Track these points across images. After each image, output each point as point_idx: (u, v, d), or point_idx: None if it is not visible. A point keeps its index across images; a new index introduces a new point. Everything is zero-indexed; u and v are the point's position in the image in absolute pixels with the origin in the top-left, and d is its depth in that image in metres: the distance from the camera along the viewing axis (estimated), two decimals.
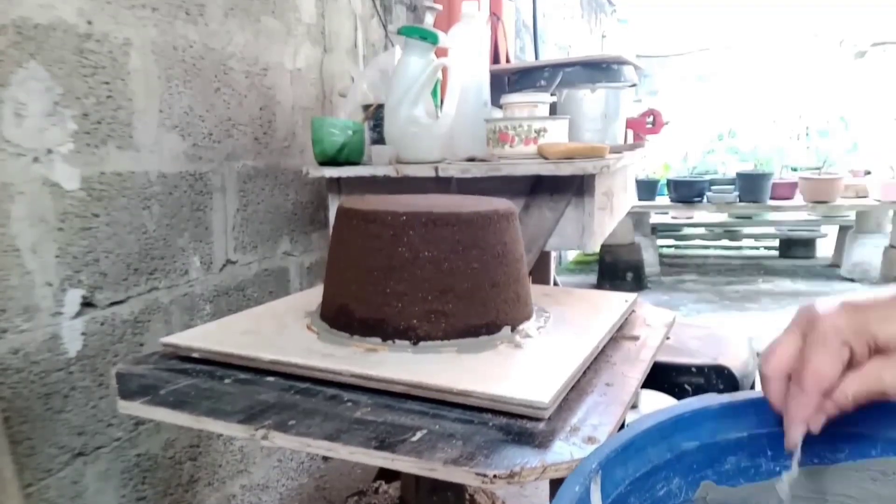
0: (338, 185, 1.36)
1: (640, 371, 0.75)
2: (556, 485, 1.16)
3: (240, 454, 1.43)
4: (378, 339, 0.76)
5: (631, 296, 0.99)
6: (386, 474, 1.15)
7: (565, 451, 0.56)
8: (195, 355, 0.78)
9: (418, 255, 0.75)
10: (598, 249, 1.30)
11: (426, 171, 1.22)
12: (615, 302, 0.96)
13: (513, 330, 0.79)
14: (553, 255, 2.06)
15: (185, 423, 0.65)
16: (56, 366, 0.99)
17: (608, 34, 5.98)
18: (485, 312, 0.77)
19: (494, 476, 0.52)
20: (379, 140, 1.37)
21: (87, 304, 1.03)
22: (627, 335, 0.88)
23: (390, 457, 0.56)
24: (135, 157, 1.11)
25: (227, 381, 0.72)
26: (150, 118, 1.14)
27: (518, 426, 0.60)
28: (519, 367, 0.70)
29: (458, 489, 0.98)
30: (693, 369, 1.32)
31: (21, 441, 0.94)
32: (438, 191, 1.23)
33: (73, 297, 1.01)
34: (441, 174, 1.21)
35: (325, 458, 1.74)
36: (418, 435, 0.58)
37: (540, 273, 1.81)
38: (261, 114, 1.43)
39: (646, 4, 6.49)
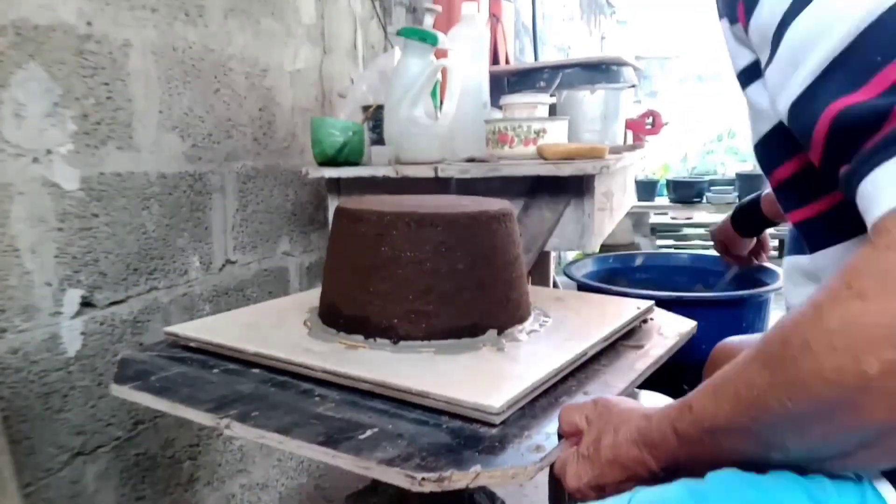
0: (337, 185, 1.36)
1: (626, 381, 0.73)
2: (556, 483, 1.16)
3: (239, 453, 1.44)
4: (361, 337, 0.77)
5: (645, 303, 0.95)
6: None
7: (508, 458, 0.55)
8: (192, 345, 0.81)
9: (400, 255, 0.76)
10: (597, 250, 1.30)
11: (425, 172, 1.22)
12: (625, 309, 0.93)
13: (500, 333, 0.78)
14: (553, 255, 2.06)
15: (163, 408, 0.68)
16: (55, 365, 0.99)
17: (608, 36, 5.98)
18: (468, 314, 0.77)
19: (423, 479, 0.53)
20: (378, 141, 1.37)
21: (86, 303, 1.04)
22: (632, 344, 0.85)
23: (331, 453, 0.57)
24: (134, 157, 1.11)
25: (215, 370, 0.75)
26: (150, 119, 1.14)
27: (470, 430, 0.60)
28: (489, 371, 0.70)
29: (458, 489, 0.98)
30: (692, 369, 1.32)
31: (20, 440, 0.94)
32: (438, 191, 1.23)
33: (73, 297, 1.01)
34: (440, 175, 1.21)
35: None
36: (368, 433, 0.59)
37: (539, 273, 1.81)
38: (260, 114, 1.43)
39: (645, 6, 6.50)
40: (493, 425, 0.60)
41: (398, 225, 0.76)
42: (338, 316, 0.80)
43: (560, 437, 0.58)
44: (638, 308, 0.93)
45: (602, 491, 0.53)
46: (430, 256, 0.76)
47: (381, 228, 0.77)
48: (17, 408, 0.93)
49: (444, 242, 0.76)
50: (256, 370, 0.75)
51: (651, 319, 0.95)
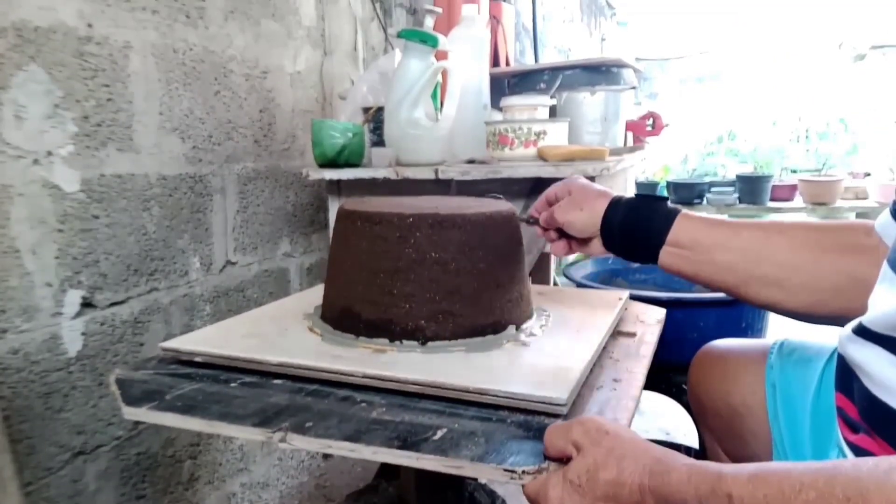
0: (338, 187, 1.36)
1: (643, 366, 0.76)
2: None
3: (240, 452, 1.44)
4: (385, 340, 0.76)
5: (624, 293, 1.00)
6: (386, 473, 1.15)
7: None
8: (198, 359, 0.77)
9: (425, 257, 0.75)
10: None
11: (426, 174, 1.22)
12: (609, 300, 0.97)
13: (517, 329, 0.80)
14: (553, 256, 2.06)
15: (197, 427, 0.65)
16: (56, 365, 0.99)
17: (608, 37, 5.99)
18: (490, 312, 0.78)
19: (524, 472, 0.53)
20: (379, 142, 1.37)
21: (86, 304, 1.04)
22: (624, 332, 0.89)
23: (415, 455, 0.56)
24: (135, 159, 1.11)
25: (233, 384, 0.72)
26: (150, 120, 1.14)
27: (537, 422, 0.61)
28: (529, 364, 0.71)
29: (458, 488, 0.98)
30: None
31: (21, 440, 0.94)
32: (438, 193, 1.24)
33: (73, 298, 1.01)
34: (441, 176, 1.21)
35: (325, 457, 1.74)
36: (440, 433, 0.59)
37: (540, 274, 1.81)
38: (261, 116, 1.43)
39: (645, 8, 6.50)
40: (557, 416, 0.61)
41: (422, 227, 0.76)
42: (356, 320, 0.78)
43: (546, 458, 0.55)
44: (619, 298, 0.97)
45: None
46: (455, 257, 0.76)
47: (403, 230, 0.76)
48: (17, 407, 0.93)
49: (467, 243, 0.77)
50: (278, 381, 0.72)
51: (626, 309, 1.00)
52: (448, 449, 0.56)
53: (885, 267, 0.60)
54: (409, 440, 0.58)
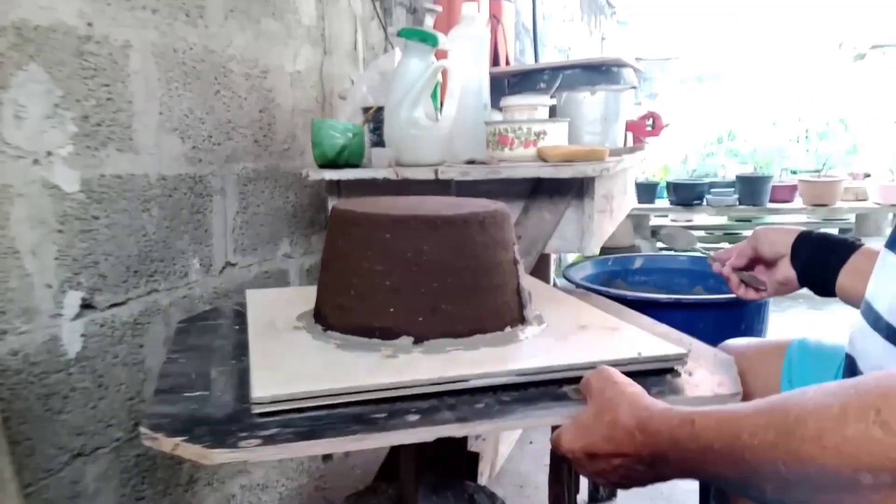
0: (337, 187, 1.36)
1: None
2: (555, 485, 1.13)
3: None
4: (304, 322, 0.85)
5: (664, 347, 0.73)
6: (386, 474, 1.15)
7: (220, 441, 0.57)
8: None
9: (334, 251, 0.82)
10: (597, 252, 1.30)
11: (426, 174, 1.22)
12: (627, 343, 0.75)
13: (419, 342, 0.75)
14: (553, 257, 2.06)
15: None
16: (55, 367, 0.99)
17: (608, 37, 5.98)
18: (380, 316, 0.76)
19: (145, 434, 0.59)
20: (379, 142, 1.37)
21: (86, 305, 1.03)
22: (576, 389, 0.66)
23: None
24: (134, 159, 1.11)
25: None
26: (150, 120, 1.14)
27: (244, 413, 0.62)
28: (331, 370, 0.69)
29: (458, 489, 0.98)
30: None
31: (20, 441, 0.94)
32: (438, 193, 1.23)
33: (73, 299, 1.01)
34: (440, 177, 1.21)
35: (325, 459, 1.74)
36: (199, 393, 0.68)
37: (539, 275, 1.81)
38: (261, 116, 1.43)
39: (645, 8, 6.50)
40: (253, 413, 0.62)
41: (338, 222, 0.82)
42: (321, 317, 0.87)
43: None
44: (638, 353, 0.71)
45: (594, 458, 0.59)
46: (349, 254, 0.80)
47: (332, 225, 0.84)
48: (17, 409, 0.93)
49: (365, 240, 0.78)
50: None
51: (684, 374, 0.72)
52: (173, 402, 0.65)
53: (883, 252, 0.61)
54: (174, 390, 0.69)
